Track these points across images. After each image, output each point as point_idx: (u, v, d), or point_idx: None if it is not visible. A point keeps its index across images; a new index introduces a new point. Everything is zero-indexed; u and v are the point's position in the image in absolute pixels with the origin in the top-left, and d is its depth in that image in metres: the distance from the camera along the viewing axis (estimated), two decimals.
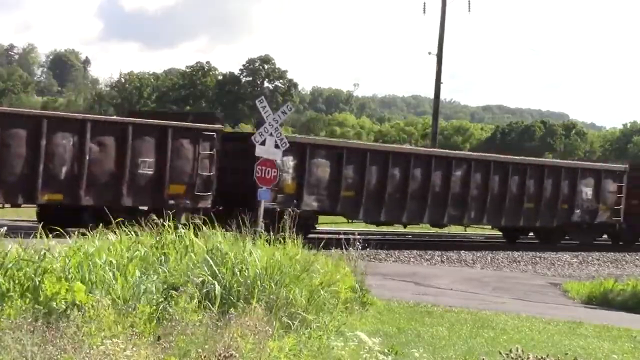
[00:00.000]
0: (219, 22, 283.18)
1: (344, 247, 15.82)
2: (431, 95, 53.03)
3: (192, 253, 11.38)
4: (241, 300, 10.52)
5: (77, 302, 8.44)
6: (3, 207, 21.96)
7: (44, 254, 9.25)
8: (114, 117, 28.39)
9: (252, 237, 12.40)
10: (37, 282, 8.71)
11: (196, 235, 11.98)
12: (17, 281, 8.71)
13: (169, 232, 11.75)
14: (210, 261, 11.09)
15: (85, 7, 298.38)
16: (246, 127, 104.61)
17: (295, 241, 13.16)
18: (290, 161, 24.49)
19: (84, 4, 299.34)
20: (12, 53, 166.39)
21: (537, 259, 28.92)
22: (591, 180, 33.09)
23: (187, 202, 23.32)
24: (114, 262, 9.94)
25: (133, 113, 32.55)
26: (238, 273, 11.05)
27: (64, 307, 8.36)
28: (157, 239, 11.49)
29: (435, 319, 14.61)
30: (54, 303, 8.39)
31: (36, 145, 20.83)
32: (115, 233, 11.28)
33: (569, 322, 15.72)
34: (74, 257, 9.58)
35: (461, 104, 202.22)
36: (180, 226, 11.99)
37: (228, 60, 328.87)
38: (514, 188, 30.49)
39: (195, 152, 23.45)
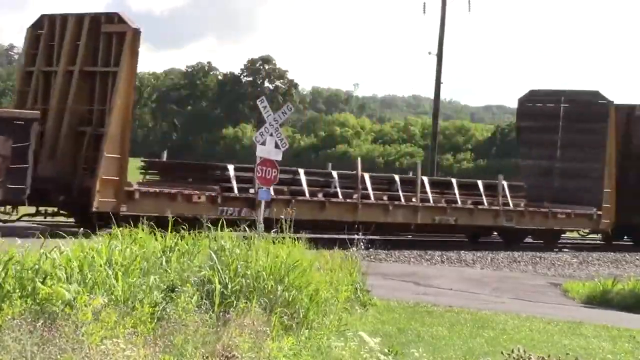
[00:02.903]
0: (224, 23, 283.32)
1: (345, 246, 15.84)
2: (431, 95, 53.02)
3: (194, 253, 11.37)
4: (241, 300, 10.52)
5: (73, 303, 8.42)
6: None
7: (44, 254, 9.25)
8: None
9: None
10: (37, 283, 8.70)
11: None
12: (17, 282, 8.70)
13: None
14: (215, 260, 11.08)
15: (92, 8, 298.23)
16: (247, 127, 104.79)
17: (298, 241, 13.20)
18: None
19: (90, 5, 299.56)
20: (12, 53, 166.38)
21: (537, 259, 28.91)
22: None
23: None
24: (116, 262, 9.93)
25: None
26: (240, 273, 11.04)
27: (59, 307, 8.34)
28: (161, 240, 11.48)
29: (435, 319, 14.61)
30: (49, 304, 8.38)
31: None
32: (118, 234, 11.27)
33: (569, 322, 15.73)
34: (75, 258, 9.58)
35: (461, 104, 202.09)
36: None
37: (231, 61, 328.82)
38: None
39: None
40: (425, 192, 28.52)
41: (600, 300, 19.76)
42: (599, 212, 32.42)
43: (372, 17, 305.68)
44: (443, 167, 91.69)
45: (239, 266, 11.10)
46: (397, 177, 28.67)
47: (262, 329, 9.23)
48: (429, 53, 49.09)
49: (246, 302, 10.37)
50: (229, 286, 10.76)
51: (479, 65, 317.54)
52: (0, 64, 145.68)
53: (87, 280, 9.14)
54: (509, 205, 30.35)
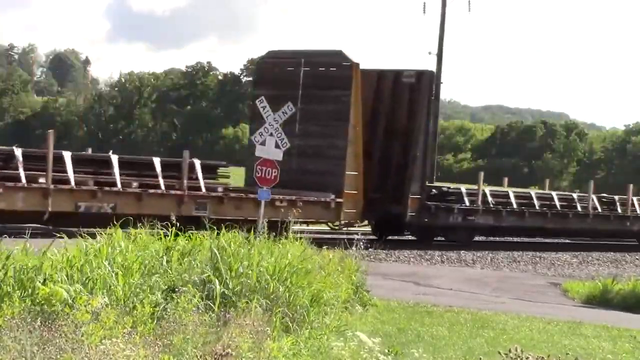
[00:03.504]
0: (225, 23, 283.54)
1: (347, 246, 15.86)
2: None
3: (196, 253, 11.37)
4: (242, 300, 10.52)
5: (71, 303, 8.42)
6: None
7: (45, 254, 9.26)
8: None
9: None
10: (37, 283, 8.70)
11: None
12: (17, 282, 8.71)
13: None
14: (218, 259, 11.08)
15: (93, 8, 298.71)
16: (247, 128, 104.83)
17: (300, 240, 13.23)
18: None
19: (91, 5, 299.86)
20: (12, 53, 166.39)
21: (537, 259, 28.93)
22: None
23: None
24: (115, 261, 9.94)
25: None
26: (242, 273, 11.03)
27: (59, 307, 8.34)
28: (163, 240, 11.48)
29: (435, 319, 14.62)
30: (48, 304, 8.38)
31: None
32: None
33: (569, 322, 15.73)
34: (76, 258, 9.59)
35: (461, 104, 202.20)
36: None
37: (231, 61, 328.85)
38: None
39: None
40: (65, 171, 21.93)
41: (600, 300, 19.77)
42: (339, 200, 26.06)
43: (372, 17, 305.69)
44: (444, 167, 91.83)
45: (240, 267, 11.10)
46: (17, 151, 21.44)
47: (262, 329, 9.23)
48: (429, 53, 49.17)
49: (247, 302, 10.37)
50: (230, 286, 10.77)
51: (479, 65, 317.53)
52: (0, 64, 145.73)
53: (87, 281, 9.15)
54: (200, 190, 24.15)
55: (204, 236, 11.91)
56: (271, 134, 18.64)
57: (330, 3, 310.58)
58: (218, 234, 11.91)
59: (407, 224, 28.28)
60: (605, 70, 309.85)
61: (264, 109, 18.92)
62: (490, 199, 30.85)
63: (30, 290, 8.62)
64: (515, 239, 33.69)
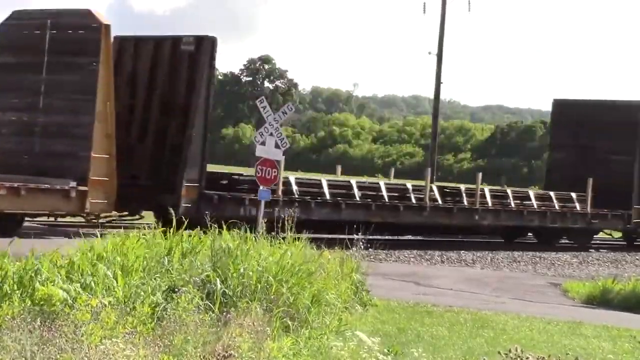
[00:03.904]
0: (225, 24, 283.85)
1: (347, 246, 15.86)
2: (431, 95, 53.07)
3: (197, 253, 11.38)
4: (242, 300, 10.53)
5: (70, 303, 8.43)
6: None
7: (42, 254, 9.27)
8: None
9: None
10: (37, 284, 8.71)
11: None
12: (17, 282, 8.71)
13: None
14: (219, 259, 11.08)
15: (93, 8, 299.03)
16: (247, 127, 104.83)
17: (300, 241, 13.24)
18: None
19: (92, 5, 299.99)
20: None
21: (537, 259, 28.94)
22: None
23: None
24: (118, 261, 9.94)
25: None
26: (244, 274, 11.03)
27: (58, 307, 8.34)
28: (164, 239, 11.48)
29: (435, 319, 14.61)
30: (47, 304, 8.38)
31: None
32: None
33: (569, 322, 15.72)
34: (75, 257, 9.59)
35: (461, 104, 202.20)
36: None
37: (231, 61, 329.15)
38: None
39: None
40: None
41: (600, 300, 19.76)
42: (83, 188, 21.79)
43: (372, 17, 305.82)
44: (444, 167, 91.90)
45: (242, 268, 11.10)
46: None
47: (262, 329, 9.24)
48: (429, 53, 49.22)
49: (247, 303, 10.38)
50: (231, 286, 10.76)
51: (479, 65, 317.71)
52: None
53: (87, 281, 9.15)
54: None
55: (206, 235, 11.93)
56: (271, 134, 18.66)
57: (330, 3, 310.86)
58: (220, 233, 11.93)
59: (183, 217, 21.79)
60: (604, 71, 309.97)
61: (264, 109, 18.92)
62: (295, 187, 26.18)
63: (30, 290, 8.63)
64: (516, 240, 33.64)
